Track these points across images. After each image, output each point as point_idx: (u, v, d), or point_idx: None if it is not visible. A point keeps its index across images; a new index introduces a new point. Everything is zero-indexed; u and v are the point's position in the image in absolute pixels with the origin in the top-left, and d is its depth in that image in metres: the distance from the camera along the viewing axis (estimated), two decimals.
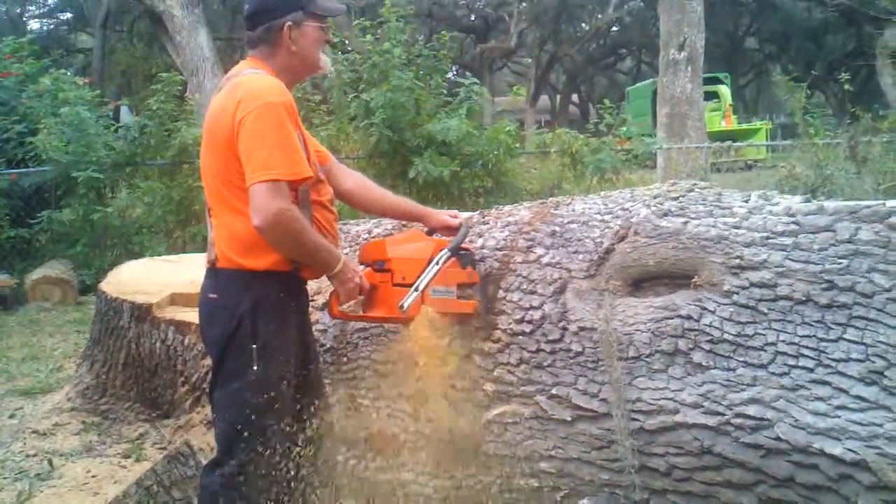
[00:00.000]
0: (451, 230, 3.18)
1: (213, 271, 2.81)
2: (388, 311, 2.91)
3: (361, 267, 2.97)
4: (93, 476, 4.13)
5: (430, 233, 3.27)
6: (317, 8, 2.87)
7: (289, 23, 2.78)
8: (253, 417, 2.69)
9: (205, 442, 3.93)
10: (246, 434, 2.69)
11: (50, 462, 4.26)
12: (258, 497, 2.71)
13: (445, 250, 2.99)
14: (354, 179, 3.22)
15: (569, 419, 2.86)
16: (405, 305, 2.86)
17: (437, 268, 2.95)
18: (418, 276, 2.92)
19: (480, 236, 3.38)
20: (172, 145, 10.53)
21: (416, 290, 2.89)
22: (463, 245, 3.10)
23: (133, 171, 10.91)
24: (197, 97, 12.32)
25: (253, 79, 2.70)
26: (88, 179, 9.92)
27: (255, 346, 2.67)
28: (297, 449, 2.87)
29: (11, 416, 5.15)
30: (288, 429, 2.81)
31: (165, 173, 10.81)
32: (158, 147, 10.80)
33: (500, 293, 3.13)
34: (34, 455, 4.41)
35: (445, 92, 11.63)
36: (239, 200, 2.66)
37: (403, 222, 3.71)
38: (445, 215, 3.24)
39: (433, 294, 2.94)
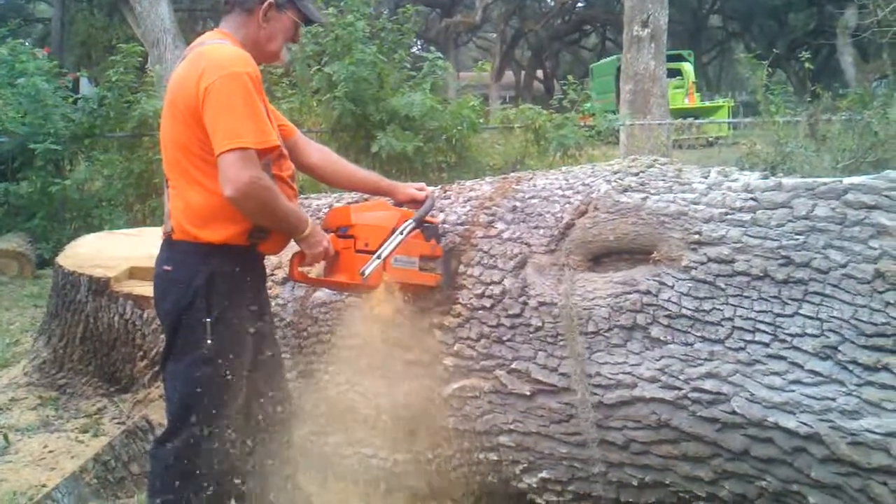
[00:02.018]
0: (417, 203, 3.16)
1: (168, 243, 2.77)
2: (349, 277, 2.88)
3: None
4: (50, 451, 4.09)
5: (398, 206, 3.26)
6: (304, 6, 2.85)
7: (271, 0, 2.76)
8: (205, 393, 2.66)
9: (163, 417, 3.91)
10: (197, 410, 2.66)
11: (6, 437, 4.21)
12: (209, 474, 2.68)
13: (410, 221, 2.98)
14: (320, 153, 3.18)
15: (528, 393, 2.87)
16: (366, 272, 2.84)
17: (400, 237, 2.93)
18: (381, 243, 2.90)
19: (442, 211, 3.37)
20: (132, 117, 10.36)
21: (378, 257, 2.87)
22: (427, 218, 3.09)
23: (92, 144, 10.72)
24: (157, 69, 12.14)
25: (217, 48, 2.67)
26: (46, 151, 9.73)
27: (208, 320, 2.64)
28: (254, 430, 2.85)
29: None
30: (243, 409, 2.78)
31: (125, 146, 10.64)
32: (118, 119, 10.61)
33: (461, 268, 3.12)
34: None
35: (409, 66, 11.55)
36: (198, 171, 2.63)
37: (367, 196, 3.69)
38: (412, 188, 3.22)
39: (395, 263, 2.93)
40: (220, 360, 2.67)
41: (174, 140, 2.69)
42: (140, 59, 11.27)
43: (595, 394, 2.73)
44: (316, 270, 2.98)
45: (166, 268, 2.74)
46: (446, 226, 3.28)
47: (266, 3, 2.76)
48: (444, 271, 3.12)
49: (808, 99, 11.93)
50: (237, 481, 2.78)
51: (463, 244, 3.17)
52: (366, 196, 3.66)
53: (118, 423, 4.33)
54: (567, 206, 3.03)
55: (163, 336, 3.98)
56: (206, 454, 2.67)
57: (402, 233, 2.94)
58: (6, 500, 3.48)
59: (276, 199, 2.63)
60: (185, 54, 2.79)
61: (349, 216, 2.92)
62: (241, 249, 2.72)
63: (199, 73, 2.57)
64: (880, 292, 2.34)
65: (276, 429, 2.96)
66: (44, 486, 3.61)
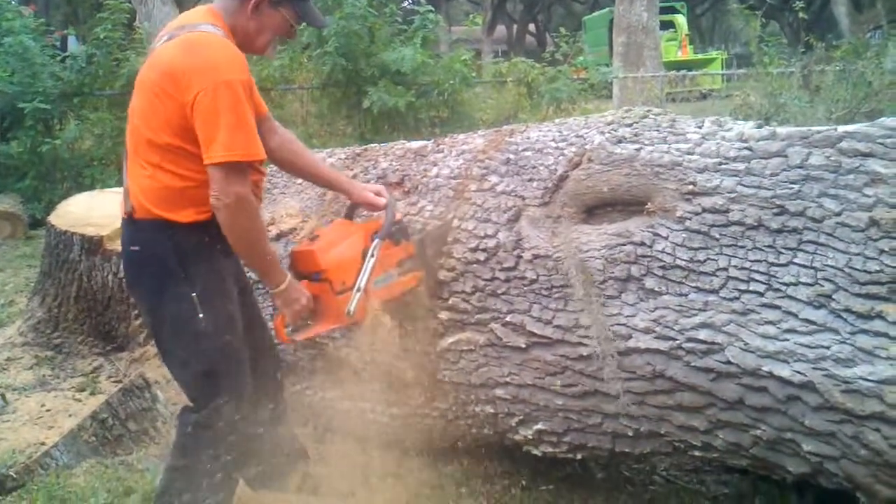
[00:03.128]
0: (373, 207, 3.03)
1: (130, 222, 2.68)
2: (336, 321, 2.82)
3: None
4: (47, 410, 4.10)
5: (352, 210, 3.14)
6: (300, 7, 2.73)
7: None
8: (219, 362, 2.65)
9: (160, 374, 3.92)
10: (220, 381, 2.65)
11: (3, 397, 4.22)
12: (231, 441, 2.69)
13: (377, 240, 2.86)
14: (280, 139, 2.98)
15: (523, 346, 2.88)
16: (352, 311, 2.77)
17: (373, 260, 2.83)
18: (357, 275, 2.81)
19: (435, 165, 3.35)
20: (121, 75, 10.27)
21: (358, 290, 2.79)
22: (392, 220, 2.99)
23: (81, 102, 10.65)
24: (146, 25, 12.02)
25: (211, 42, 2.54)
26: (35, 111, 9.67)
27: (194, 294, 2.59)
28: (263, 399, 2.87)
29: None
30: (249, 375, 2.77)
31: (115, 104, 10.56)
32: (107, 77, 10.54)
33: (456, 222, 3.11)
34: None
35: (400, 20, 11.47)
36: (167, 155, 2.55)
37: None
38: (370, 193, 3.03)
39: (376, 285, 2.86)
40: (219, 331, 2.64)
41: (147, 120, 2.58)
42: (128, 16, 11.16)
43: (588, 345, 2.73)
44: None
45: (133, 248, 2.67)
46: (439, 180, 3.26)
47: None
48: (422, 264, 3.07)
49: (802, 50, 11.87)
50: (264, 440, 2.82)
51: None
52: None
53: (114, 381, 4.34)
54: (561, 158, 3.02)
55: None
56: (228, 422, 2.66)
57: (372, 255, 2.84)
58: (5, 458, 3.50)
59: (258, 228, 2.62)
60: (173, 33, 2.64)
61: (318, 260, 2.79)
62: (206, 223, 2.62)
63: (191, 68, 2.47)
64: (874, 240, 2.34)
65: (271, 391, 2.97)
66: (42, 444, 3.62)
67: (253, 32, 2.70)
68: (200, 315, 2.59)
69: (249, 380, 2.75)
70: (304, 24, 2.83)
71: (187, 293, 2.59)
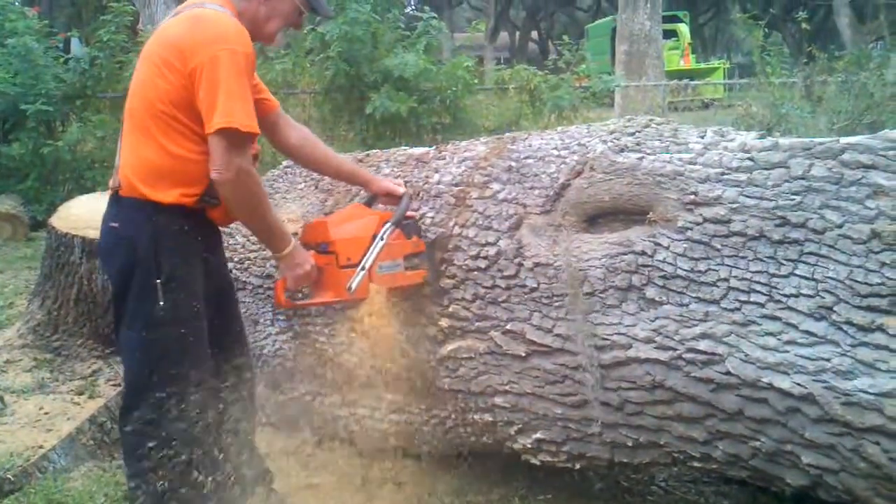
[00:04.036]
0: (393, 198, 3.09)
1: (115, 199, 2.67)
2: (335, 294, 2.83)
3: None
4: (45, 413, 4.08)
5: (371, 199, 3.20)
6: None
7: None
8: (164, 356, 2.58)
9: None
10: (158, 374, 2.58)
11: (1, 399, 4.21)
12: (181, 440, 2.60)
13: (389, 224, 2.92)
14: (299, 134, 3.06)
15: (523, 354, 2.88)
16: (353, 287, 2.80)
17: (381, 243, 2.87)
18: (363, 254, 2.85)
19: (437, 171, 3.35)
20: (124, 78, 10.23)
21: (362, 269, 2.82)
22: (407, 213, 3.04)
23: (84, 104, 10.65)
24: (149, 28, 11.99)
25: (218, 17, 2.57)
26: (38, 112, 9.67)
27: (158, 280, 2.54)
28: (222, 399, 2.79)
29: None
30: (208, 377, 2.70)
31: (117, 106, 10.50)
32: (110, 80, 10.53)
33: (457, 229, 3.10)
34: None
35: (403, 26, 11.47)
36: (157, 128, 2.54)
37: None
38: (389, 182, 3.13)
39: (380, 270, 2.88)
40: (177, 322, 2.58)
41: (143, 91, 2.59)
42: (131, 18, 11.15)
43: (578, 353, 2.73)
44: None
45: (113, 224, 2.64)
46: (441, 186, 3.26)
47: None
48: (429, 264, 3.09)
49: (805, 60, 11.90)
50: (210, 447, 2.71)
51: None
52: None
53: (113, 384, 4.33)
54: (563, 166, 3.01)
55: None
56: (174, 419, 2.59)
57: (382, 238, 2.88)
58: (3, 461, 3.49)
59: (263, 196, 2.60)
60: (179, 10, 2.69)
61: (328, 232, 2.84)
62: (189, 210, 2.61)
63: (196, 38, 2.49)
64: (876, 253, 2.33)
65: (241, 394, 2.91)
66: (40, 447, 3.61)
67: (262, 19, 2.71)
68: (161, 303, 2.54)
69: (202, 381, 2.66)
70: (311, 12, 2.84)
71: (153, 279, 2.54)
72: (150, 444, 2.59)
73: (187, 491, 2.62)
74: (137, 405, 2.61)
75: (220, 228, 2.86)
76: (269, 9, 2.71)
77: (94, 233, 4.50)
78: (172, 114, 2.53)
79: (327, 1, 3.04)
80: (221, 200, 2.60)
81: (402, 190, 3.10)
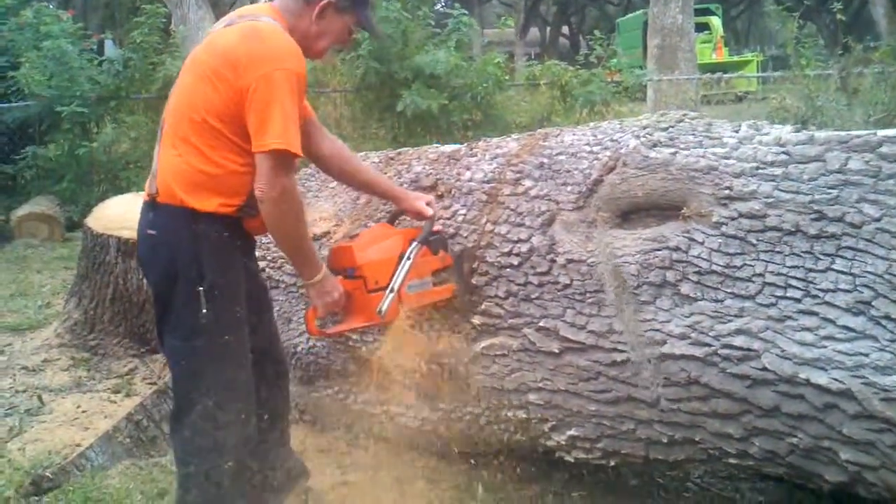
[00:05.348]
0: (421, 218, 3.07)
1: (151, 205, 2.66)
2: (366, 319, 2.83)
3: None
4: (83, 411, 4.14)
5: (396, 216, 3.21)
6: (362, 14, 2.75)
7: (333, 0, 2.66)
8: (210, 363, 2.60)
9: None
10: (205, 381, 2.60)
11: (40, 398, 4.27)
12: (228, 447, 2.63)
13: (415, 243, 2.91)
14: (331, 145, 3.05)
15: (557, 351, 2.86)
16: (383, 310, 2.79)
17: (409, 263, 2.87)
18: (391, 276, 2.84)
19: (468, 169, 3.35)
20: (157, 79, 10.37)
21: (391, 291, 2.82)
22: (433, 228, 3.02)
23: (118, 106, 10.78)
24: (181, 29, 12.12)
25: (274, 31, 2.56)
26: (73, 114, 9.80)
27: (201, 288, 2.55)
28: (261, 402, 2.81)
29: (0, 353, 5.14)
30: (251, 382, 2.72)
31: (151, 107, 10.65)
32: (143, 81, 10.65)
33: (489, 226, 3.10)
34: (24, 391, 4.42)
35: (433, 23, 11.48)
36: (201, 137, 2.54)
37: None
38: (421, 202, 3.07)
39: (409, 290, 2.88)
40: (220, 329, 2.59)
41: (189, 99, 2.58)
42: (164, 20, 11.27)
43: (623, 350, 2.71)
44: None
45: (150, 231, 2.64)
46: (473, 184, 3.25)
47: (325, 1, 2.65)
48: (458, 277, 3.08)
49: (840, 52, 11.75)
50: (256, 452, 2.75)
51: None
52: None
53: (149, 383, 4.38)
54: (595, 162, 3.00)
55: None
56: (223, 426, 2.61)
57: (409, 258, 2.88)
58: (42, 459, 3.54)
59: (302, 219, 2.61)
60: (232, 21, 2.67)
61: (354, 257, 2.82)
62: (228, 218, 2.62)
63: (252, 54, 2.48)
64: None
65: (277, 394, 2.94)
66: (78, 445, 3.66)
67: (313, 37, 2.70)
68: (204, 310, 2.55)
69: (248, 386, 2.70)
70: (363, 31, 2.85)
71: (195, 286, 2.55)
72: (200, 450, 2.61)
73: (234, 495, 2.65)
74: (186, 412, 2.63)
75: None
76: (321, 28, 2.70)
77: (128, 233, 4.56)
78: (217, 125, 2.52)
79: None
80: (259, 212, 2.59)
81: (430, 211, 3.05)
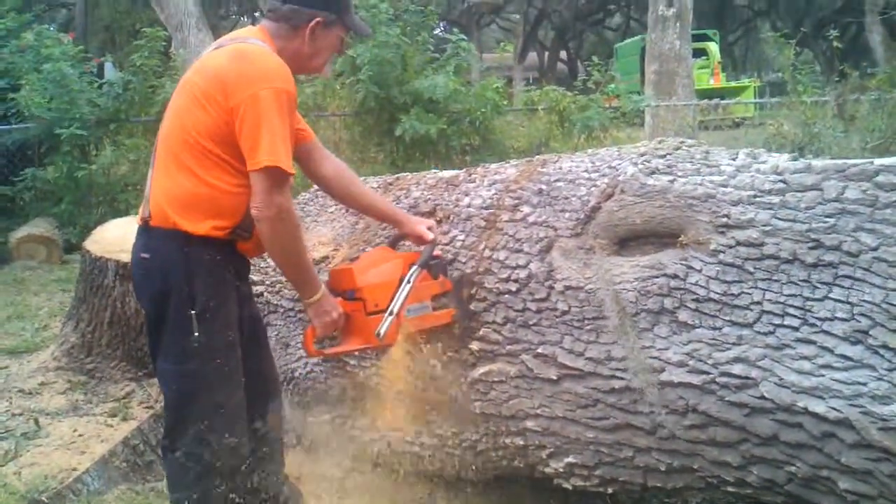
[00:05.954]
0: (423, 242, 3.08)
1: (144, 229, 2.68)
2: (364, 341, 2.83)
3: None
4: (79, 435, 4.12)
5: (397, 240, 3.22)
6: (349, 21, 2.80)
7: (319, 19, 2.69)
8: (202, 387, 2.61)
9: None
10: (198, 405, 2.61)
11: (36, 421, 4.25)
12: (222, 470, 2.63)
13: (415, 267, 2.92)
14: (334, 167, 3.07)
15: (554, 378, 2.86)
16: (382, 333, 2.80)
17: (408, 287, 2.88)
18: (391, 299, 2.85)
19: (467, 195, 3.36)
20: (157, 102, 10.38)
21: (391, 314, 2.82)
22: (433, 253, 3.03)
23: (117, 128, 10.79)
24: (181, 52, 12.17)
25: (263, 53, 2.60)
26: (72, 136, 9.81)
27: (193, 311, 2.56)
28: (254, 427, 2.80)
29: None
30: (243, 406, 2.72)
31: (150, 130, 10.62)
32: (143, 103, 10.67)
33: (487, 252, 3.11)
34: (20, 414, 4.39)
35: (432, 48, 11.52)
36: (193, 159, 2.56)
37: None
38: (422, 226, 3.09)
39: (409, 314, 2.88)
40: (212, 353, 2.60)
41: (182, 121, 2.61)
42: (164, 43, 11.30)
43: (622, 378, 2.71)
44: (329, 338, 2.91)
45: (143, 255, 2.66)
46: (471, 209, 3.26)
47: (314, 22, 2.68)
48: (457, 303, 3.09)
49: (836, 78, 11.80)
50: (246, 475, 2.73)
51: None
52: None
53: (146, 407, 4.36)
54: (593, 189, 3.01)
55: None
56: (215, 451, 2.61)
57: (409, 281, 2.89)
58: (38, 483, 3.52)
59: (300, 237, 2.62)
60: (222, 43, 2.72)
61: (354, 279, 2.83)
62: (221, 241, 2.63)
63: (240, 74, 2.52)
64: None
65: (270, 420, 2.93)
66: (74, 469, 3.64)
67: (307, 56, 2.75)
68: (196, 333, 2.56)
69: (241, 409, 2.71)
70: (351, 32, 2.88)
71: (187, 309, 2.56)
72: (192, 474, 2.61)
73: None
74: (178, 435, 2.64)
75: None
76: (316, 46, 2.74)
77: (127, 256, 4.49)
78: (209, 146, 2.55)
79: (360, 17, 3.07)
80: (253, 234, 2.62)
81: (431, 236, 3.07)
